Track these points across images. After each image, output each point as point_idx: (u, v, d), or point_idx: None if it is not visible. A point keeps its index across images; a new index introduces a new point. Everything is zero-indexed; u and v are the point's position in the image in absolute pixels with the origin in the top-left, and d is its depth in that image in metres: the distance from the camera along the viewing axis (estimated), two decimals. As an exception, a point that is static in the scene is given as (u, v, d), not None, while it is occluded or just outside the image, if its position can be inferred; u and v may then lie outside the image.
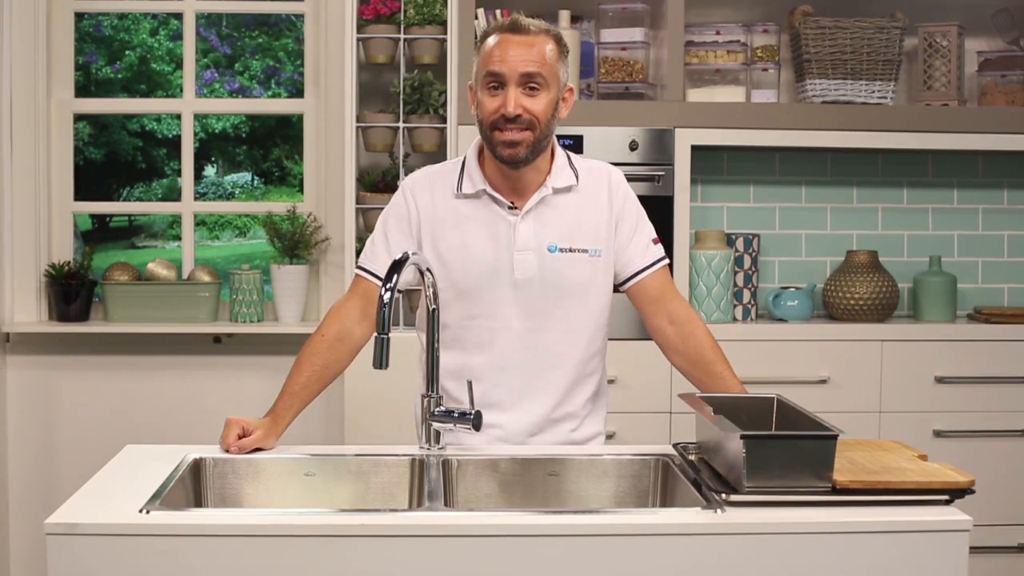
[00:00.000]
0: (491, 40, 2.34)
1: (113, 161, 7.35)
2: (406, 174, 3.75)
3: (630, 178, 3.63)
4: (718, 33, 3.91)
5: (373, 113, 3.83)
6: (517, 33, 2.31)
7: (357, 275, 2.47)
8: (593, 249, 2.41)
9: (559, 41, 2.35)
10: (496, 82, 2.31)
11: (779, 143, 3.82)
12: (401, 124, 3.79)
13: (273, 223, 4.03)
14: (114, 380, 4.03)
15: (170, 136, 7.22)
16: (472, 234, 2.39)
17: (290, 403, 2.33)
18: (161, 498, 1.92)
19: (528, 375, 2.40)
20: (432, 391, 2.23)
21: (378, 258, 2.42)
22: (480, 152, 2.44)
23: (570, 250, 2.39)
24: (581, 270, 2.40)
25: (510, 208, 2.39)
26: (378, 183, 3.82)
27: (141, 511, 1.84)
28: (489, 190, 2.40)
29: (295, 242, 3.99)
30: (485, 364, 2.40)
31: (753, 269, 3.90)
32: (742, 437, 1.90)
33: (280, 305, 4.01)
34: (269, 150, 7.73)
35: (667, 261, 2.50)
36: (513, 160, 2.33)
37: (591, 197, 2.44)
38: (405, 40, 3.80)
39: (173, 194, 7.11)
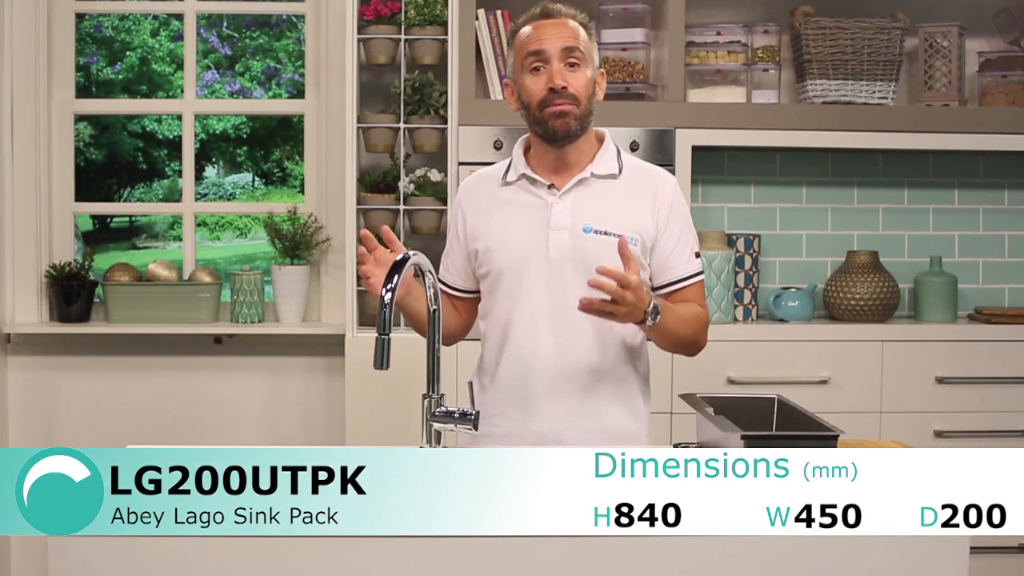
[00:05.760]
0: (525, 28, 2.43)
1: (114, 162, 7.34)
2: (407, 175, 3.78)
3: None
4: (719, 34, 3.91)
5: (374, 114, 3.83)
6: (549, 18, 2.42)
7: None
8: (630, 236, 2.37)
9: (586, 25, 2.45)
10: (538, 61, 2.38)
11: (780, 143, 3.82)
12: (402, 125, 3.79)
13: (274, 224, 4.03)
14: (115, 381, 4.02)
15: (171, 137, 7.21)
16: (511, 216, 2.45)
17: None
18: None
19: (559, 357, 2.40)
20: (433, 391, 2.23)
21: (446, 269, 2.58)
22: (527, 148, 2.50)
23: (605, 233, 2.39)
24: (615, 254, 2.37)
25: (549, 188, 2.43)
26: (379, 184, 3.82)
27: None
28: (529, 173, 2.45)
29: (296, 243, 3.99)
30: (521, 346, 2.42)
31: (754, 269, 3.90)
32: (742, 437, 1.90)
33: (281, 306, 4.01)
34: (270, 151, 7.73)
35: (703, 276, 2.51)
36: (565, 130, 2.38)
37: (636, 191, 2.45)
38: (406, 41, 3.80)
39: (174, 195, 7.11)
